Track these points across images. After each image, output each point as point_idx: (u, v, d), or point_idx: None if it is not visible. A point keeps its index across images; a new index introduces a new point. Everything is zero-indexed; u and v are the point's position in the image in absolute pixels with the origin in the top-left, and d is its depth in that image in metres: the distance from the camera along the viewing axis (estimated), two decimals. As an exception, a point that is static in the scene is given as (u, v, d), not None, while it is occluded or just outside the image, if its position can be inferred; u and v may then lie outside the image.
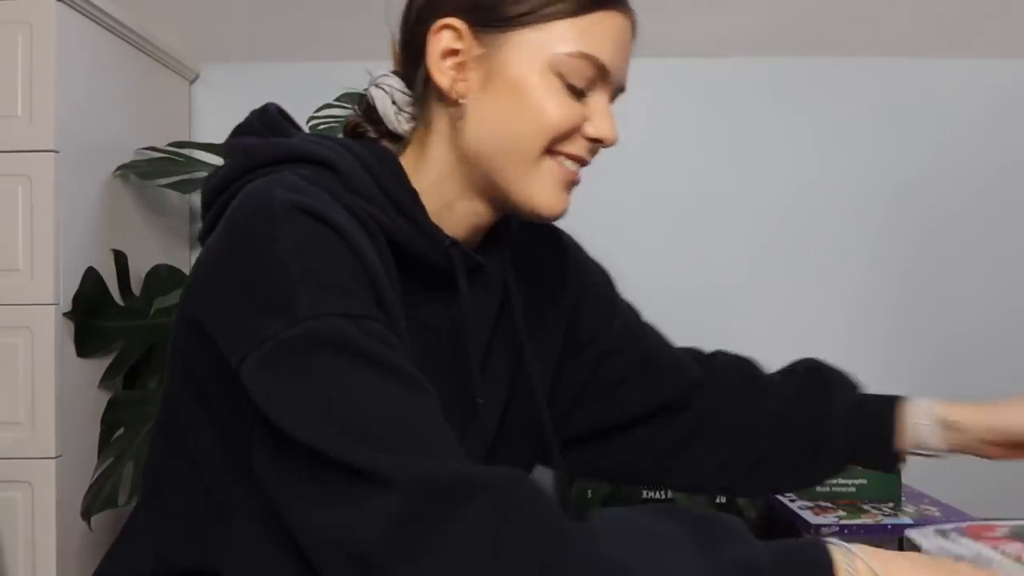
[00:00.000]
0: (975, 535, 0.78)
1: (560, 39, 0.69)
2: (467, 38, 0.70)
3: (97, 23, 1.25)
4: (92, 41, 1.25)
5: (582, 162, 0.74)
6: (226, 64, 1.60)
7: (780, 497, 1.31)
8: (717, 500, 1.35)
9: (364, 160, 0.70)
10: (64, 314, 1.20)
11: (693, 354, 0.94)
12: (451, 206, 0.74)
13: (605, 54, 0.70)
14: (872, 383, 1.49)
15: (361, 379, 0.58)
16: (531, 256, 0.86)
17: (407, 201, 0.70)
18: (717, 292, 1.55)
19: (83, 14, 1.21)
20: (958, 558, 0.70)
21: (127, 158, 1.33)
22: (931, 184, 1.53)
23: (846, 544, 0.57)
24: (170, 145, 1.42)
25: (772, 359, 1.50)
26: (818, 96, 1.54)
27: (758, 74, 1.53)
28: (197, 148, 1.41)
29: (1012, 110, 1.53)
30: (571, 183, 0.74)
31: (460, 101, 0.71)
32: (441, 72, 0.70)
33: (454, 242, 0.73)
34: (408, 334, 0.66)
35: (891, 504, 1.28)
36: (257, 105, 0.76)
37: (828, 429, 0.85)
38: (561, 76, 0.70)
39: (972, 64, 1.53)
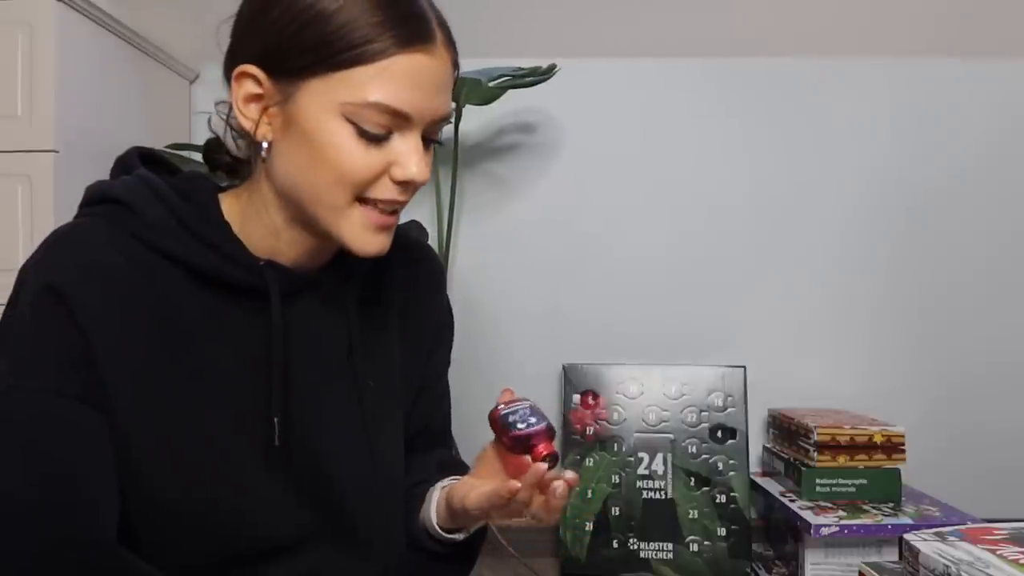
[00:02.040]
0: (974, 538, 0.78)
1: (350, 88, 0.68)
2: (266, 84, 0.71)
3: (97, 23, 1.25)
4: (92, 41, 1.25)
5: (395, 204, 0.73)
6: (226, 64, 1.60)
7: (780, 497, 1.31)
8: (716, 500, 1.35)
9: (162, 194, 0.74)
10: (64, 314, 1.20)
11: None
12: (277, 234, 0.77)
13: (400, 99, 0.68)
14: (895, 396, 1.50)
15: None
16: (411, 281, 0.90)
17: (207, 230, 0.74)
18: (718, 293, 1.55)
19: (83, 14, 1.21)
20: (956, 561, 0.71)
21: (127, 158, 1.33)
22: (935, 182, 1.53)
23: None
24: (168, 146, 1.42)
25: (773, 360, 1.51)
26: (818, 97, 1.53)
27: (758, 74, 1.53)
28: (196, 149, 1.41)
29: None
30: (385, 226, 0.74)
31: (266, 143, 0.73)
32: (245, 116, 0.73)
33: (269, 263, 0.76)
34: (217, 348, 0.73)
35: (891, 504, 1.28)
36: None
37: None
38: (355, 124, 0.69)
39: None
